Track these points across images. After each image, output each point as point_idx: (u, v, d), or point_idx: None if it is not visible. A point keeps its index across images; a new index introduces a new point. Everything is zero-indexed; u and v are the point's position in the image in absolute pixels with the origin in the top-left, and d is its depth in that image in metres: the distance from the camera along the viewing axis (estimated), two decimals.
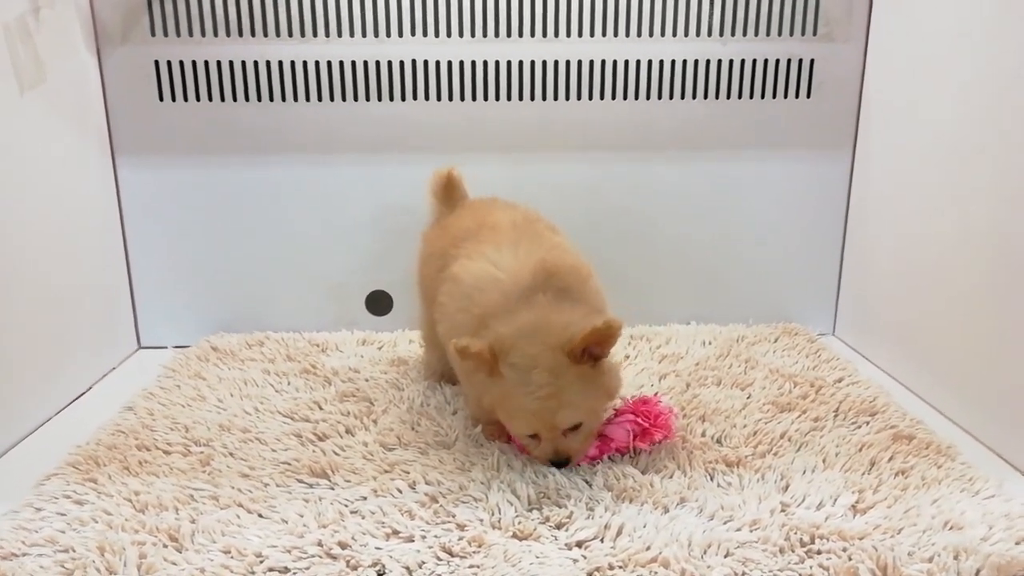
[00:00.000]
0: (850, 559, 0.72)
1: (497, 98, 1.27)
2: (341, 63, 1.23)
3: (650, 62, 1.26)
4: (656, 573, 0.70)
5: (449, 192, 1.11)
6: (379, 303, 1.36)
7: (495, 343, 0.82)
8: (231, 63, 1.22)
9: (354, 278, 1.35)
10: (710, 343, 1.28)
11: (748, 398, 1.07)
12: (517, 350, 0.81)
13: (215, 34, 1.21)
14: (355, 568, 0.71)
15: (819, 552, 0.73)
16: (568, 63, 1.25)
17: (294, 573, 0.70)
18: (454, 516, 0.78)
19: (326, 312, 1.35)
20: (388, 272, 1.35)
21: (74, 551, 0.72)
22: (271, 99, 1.24)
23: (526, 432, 0.85)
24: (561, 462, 0.86)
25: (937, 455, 0.90)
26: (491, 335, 0.83)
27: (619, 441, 0.89)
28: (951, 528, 0.76)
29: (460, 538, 0.75)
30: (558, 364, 0.81)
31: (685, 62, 1.26)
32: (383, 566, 0.71)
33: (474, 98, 1.27)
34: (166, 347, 1.31)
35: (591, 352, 0.82)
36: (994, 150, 0.96)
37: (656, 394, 0.98)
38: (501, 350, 0.81)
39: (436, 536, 0.75)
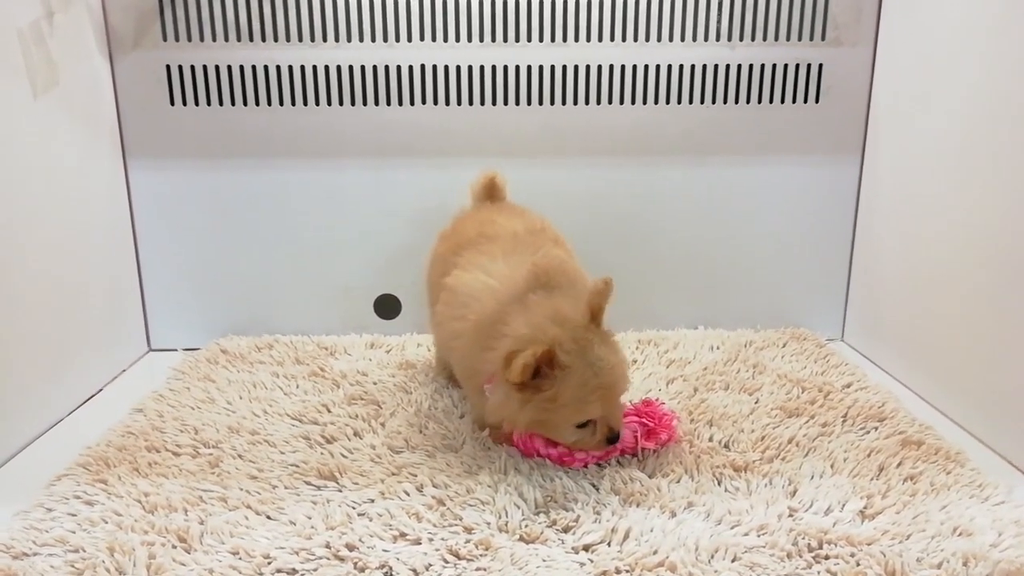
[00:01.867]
0: (858, 564, 0.71)
1: (505, 103, 1.27)
2: (351, 67, 1.24)
3: (658, 67, 1.26)
4: None
5: (490, 195, 1.13)
6: (388, 307, 1.37)
7: (536, 337, 0.81)
8: (242, 68, 1.23)
9: (363, 282, 1.35)
10: (718, 348, 1.28)
11: (756, 403, 1.06)
12: (571, 336, 0.82)
13: (226, 39, 1.22)
14: (363, 570, 0.71)
15: (827, 557, 0.73)
16: (576, 68, 1.26)
17: (302, 574, 0.71)
18: (461, 519, 0.79)
19: (335, 315, 1.36)
20: (397, 276, 1.35)
21: (84, 551, 0.73)
22: (281, 103, 1.25)
23: (591, 417, 0.84)
24: (615, 436, 0.87)
25: (946, 461, 0.90)
26: (521, 333, 0.82)
27: (626, 442, 0.89)
28: (960, 534, 0.76)
29: (467, 541, 0.75)
30: (597, 336, 0.83)
31: (693, 67, 1.26)
32: (390, 568, 0.71)
33: (482, 103, 1.27)
34: (176, 349, 1.32)
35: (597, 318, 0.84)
36: (1003, 155, 0.95)
37: (658, 399, 0.98)
38: (553, 340, 0.80)
39: (443, 539, 0.76)
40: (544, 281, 0.88)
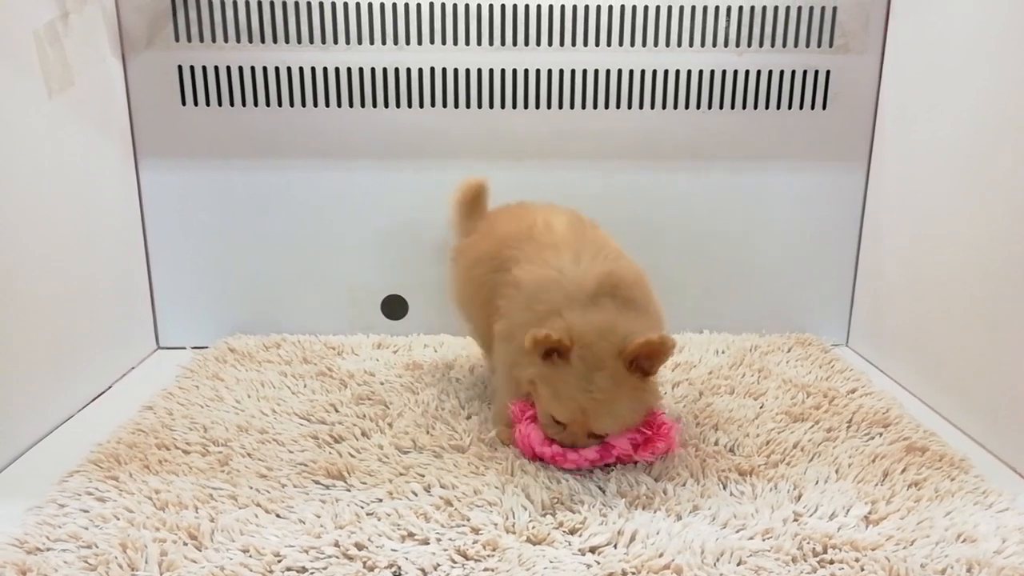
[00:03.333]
0: (863, 569, 0.72)
1: (514, 106, 1.28)
2: (361, 70, 1.25)
3: (666, 72, 1.27)
4: None
5: (477, 203, 1.13)
6: (394, 307, 1.38)
7: (573, 330, 0.84)
8: (252, 69, 1.24)
9: (370, 282, 1.36)
10: (723, 352, 1.28)
11: (761, 407, 1.07)
12: (592, 346, 0.84)
13: (237, 40, 1.23)
14: (371, 569, 0.72)
15: (832, 562, 0.73)
16: (584, 72, 1.26)
17: (312, 573, 0.71)
18: (469, 520, 0.79)
19: (342, 315, 1.37)
20: (404, 277, 1.36)
21: (97, 547, 0.73)
22: (291, 104, 1.26)
23: (564, 419, 0.87)
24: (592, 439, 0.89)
25: (950, 467, 0.90)
26: (565, 324, 0.85)
27: (620, 448, 0.89)
28: (964, 541, 0.76)
29: (475, 541, 0.76)
30: (620, 371, 0.84)
31: (701, 72, 1.27)
32: (399, 568, 0.72)
33: (491, 106, 1.28)
34: (184, 348, 1.33)
35: (641, 365, 0.84)
36: (1010, 162, 0.96)
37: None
38: (578, 338, 0.84)
39: (451, 539, 0.76)
40: (623, 294, 0.89)
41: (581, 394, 0.84)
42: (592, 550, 0.75)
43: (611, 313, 0.86)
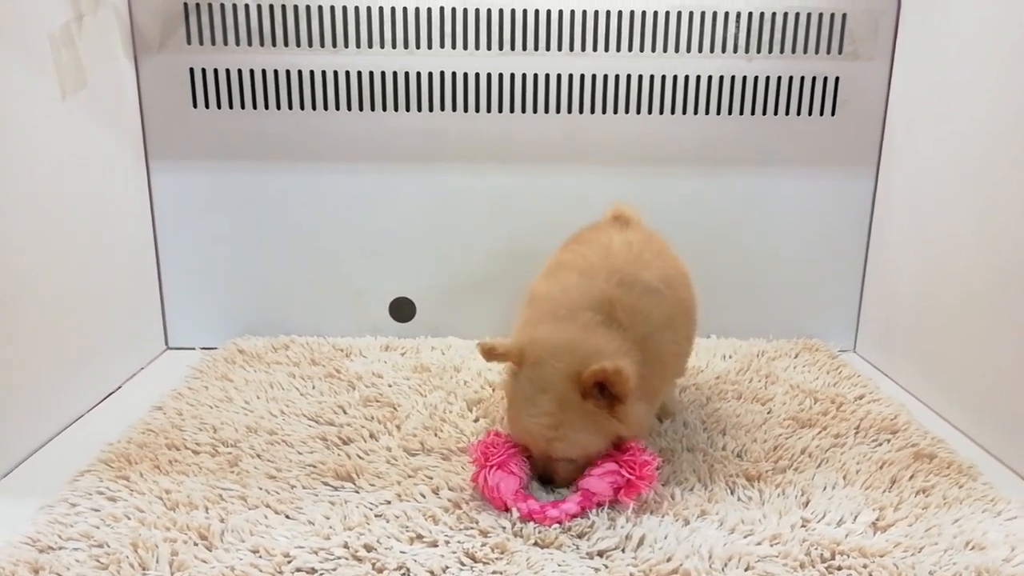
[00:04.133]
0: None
1: (523, 110, 1.28)
2: (371, 73, 1.26)
3: (675, 77, 1.27)
4: None
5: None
6: (402, 310, 1.38)
7: (528, 345, 0.82)
8: (263, 72, 1.25)
9: (378, 284, 1.37)
10: (730, 357, 1.28)
11: (768, 413, 1.07)
12: (541, 365, 0.80)
13: (249, 43, 1.24)
14: (381, 571, 0.72)
15: (839, 568, 0.73)
16: (594, 77, 1.27)
17: (321, 574, 0.72)
18: (477, 523, 0.80)
19: (350, 317, 1.37)
20: (412, 279, 1.37)
21: (108, 546, 0.74)
22: (302, 107, 1.27)
23: (516, 440, 0.86)
24: (547, 479, 0.86)
25: (959, 475, 0.90)
26: (531, 334, 0.84)
27: (602, 495, 0.82)
28: (973, 548, 0.76)
29: (483, 544, 0.76)
30: (567, 395, 0.79)
31: (710, 78, 1.27)
32: (408, 570, 0.72)
33: (500, 110, 1.28)
34: (193, 348, 1.34)
35: (607, 392, 0.79)
36: (1020, 169, 0.96)
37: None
38: (531, 359, 0.81)
39: (460, 542, 0.77)
40: (607, 309, 0.84)
41: (527, 418, 0.81)
42: (600, 554, 0.76)
43: (580, 329, 0.82)
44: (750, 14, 1.24)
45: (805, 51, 1.26)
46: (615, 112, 1.29)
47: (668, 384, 0.98)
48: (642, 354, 0.83)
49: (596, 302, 0.85)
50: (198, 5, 1.21)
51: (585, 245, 0.97)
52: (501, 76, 1.27)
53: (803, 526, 0.80)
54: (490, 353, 0.83)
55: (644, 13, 1.24)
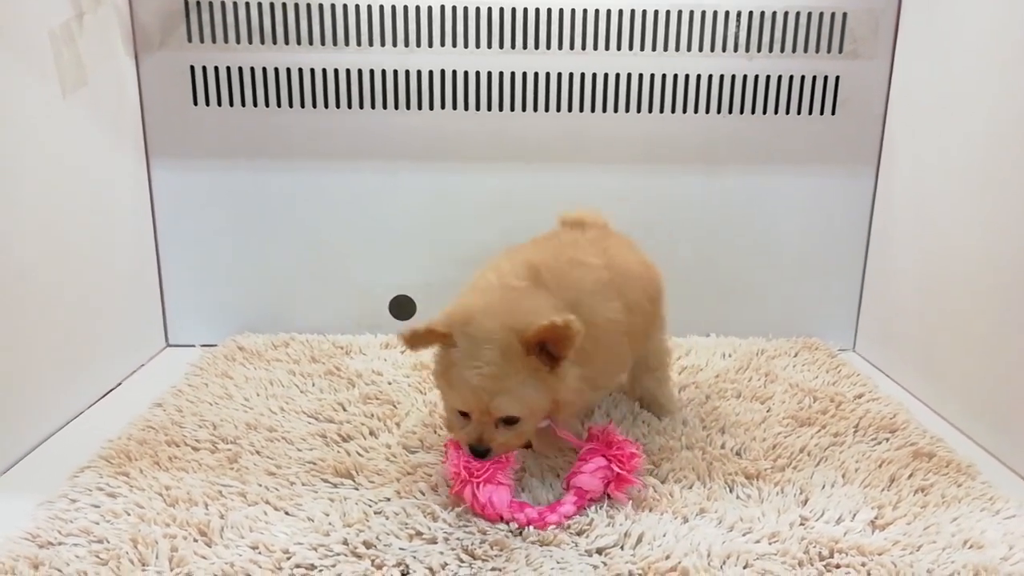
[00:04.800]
0: (869, 574, 0.72)
1: (523, 109, 1.29)
2: (372, 71, 1.26)
3: (675, 76, 1.27)
4: None
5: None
6: (403, 308, 1.38)
7: (454, 313, 0.80)
8: (264, 69, 1.25)
9: (378, 282, 1.37)
10: (730, 355, 1.29)
11: (768, 411, 1.07)
12: (475, 323, 0.79)
13: (249, 41, 1.24)
14: (380, 567, 0.72)
15: (838, 566, 0.73)
16: (594, 75, 1.27)
17: (320, 570, 0.72)
18: (476, 520, 0.80)
19: (350, 315, 1.38)
20: (412, 277, 1.37)
21: (108, 542, 0.74)
22: (302, 105, 1.27)
23: (460, 407, 0.81)
24: (482, 451, 0.81)
25: (957, 474, 0.90)
26: (452, 305, 0.82)
27: (594, 492, 0.83)
28: (971, 547, 0.76)
29: (482, 541, 0.76)
30: (511, 347, 0.77)
31: (711, 77, 1.27)
32: (407, 566, 0.72)
33: (501, 108, 1.28)
34: (193, 345, 1.34)
35: (550, 351, 0.78)
36: (1020, 168, 0.96)
37: (610, 421, 0.98)
38: (460, 320, 0.79)
39: (459, 539, 0.77)
40: (540, 277, 0.85)
41: (469, 372, 0.77)
42: (599, 551, 0.76)
43: (515, 292, 0.82)
44: (751, 13, 1.24)
45: (806, 50, 1.26)
46: (616, 111, 1.29)
47: (607, 364, 0.91)
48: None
49: (520, 270, 0.85)
50: (199, 3, 1.21)
51: (529, 242, 0.98)
52: (502, 74, 1.27)
53: (802, 524, 0.80)
54: (415, 338, 0.79)
55: (645, 12, 1.24)
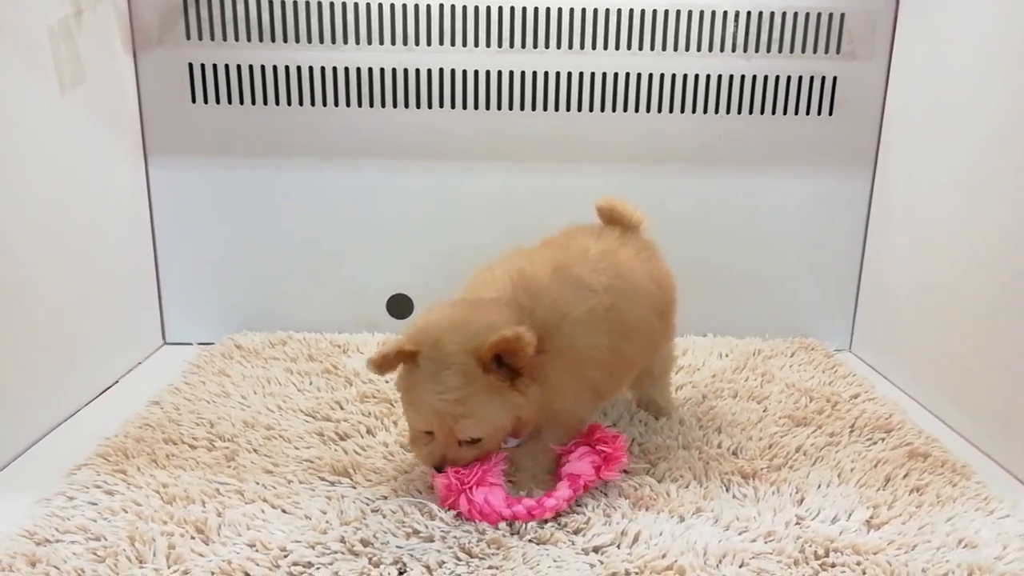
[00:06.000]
0: (864, 573, 0.73)
1: (522, 107, 1.29)
2: (370, 70, 1.26)
3: (673, 76, 1.27)
4: None
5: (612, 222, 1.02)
6: (400, 307, 1.38)
7: (416, 332, 0.79)
8: (263, 67, 1.25)
9: (376, 281, 1.37)
10: (727, 355, 1.29)
11: (764, 411, 1.08)
12: (439, 345, 0.78)
13: (248, 39, 1.24)
14: (377, 565, 0.72)
15: (833, 565, 0.74)
16: (592, 75, 1.27)
17: (318, 568, 0.72)
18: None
19: (347, 314, 1.38)
20: (410, 276, 1.37)
21: (105, 539, 0.74)
22: (300, 103, 1.27)
23: (423, 428, 0.81)
24: (437, 467, 0.82)
25: (952, 474, 0.91)
26: (420, 318, 0.82)
27: (587, 476, 0.83)
28: (965, 546, 0.77)
29: (480, 540, 0.76)
30: (471, 369, 0.77)
31: (708, 76, 1.27)
32: (404, 564, 0.73)
33: (498, 107, 1.29)
34: (190, 344, 1.34)
35: (508, 365, 0.78)
36: (1016, 171, 0.96)
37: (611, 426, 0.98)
38: (427, 340, 0.78)
39: (456, 537, 0.77)
40: (518, 288, 0.84)
41: (432, 397, 0.77)
42: (596, 550, 0.76)
43: (470, 307, 0.81)
44: (748, 13, 1.24)
45: (803, 51, 1.27)
46: (614, 110, 1.29)
47: (580, 391, 0.86)
48: (546, 343, 0.80)
49: (504, 281, 0.85)
50: (197, 0, 1.21)
51: (539, 246, 0.96)
52: (500, 73, 1.27)
53: (797, 523, 0.80)
54: (383, 361, 0.78)
55: (643, 12, 1.24)
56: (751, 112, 1.29)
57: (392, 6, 1.23)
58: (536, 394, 0.81)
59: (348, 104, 1.27)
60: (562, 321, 0.83)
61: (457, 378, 0.77)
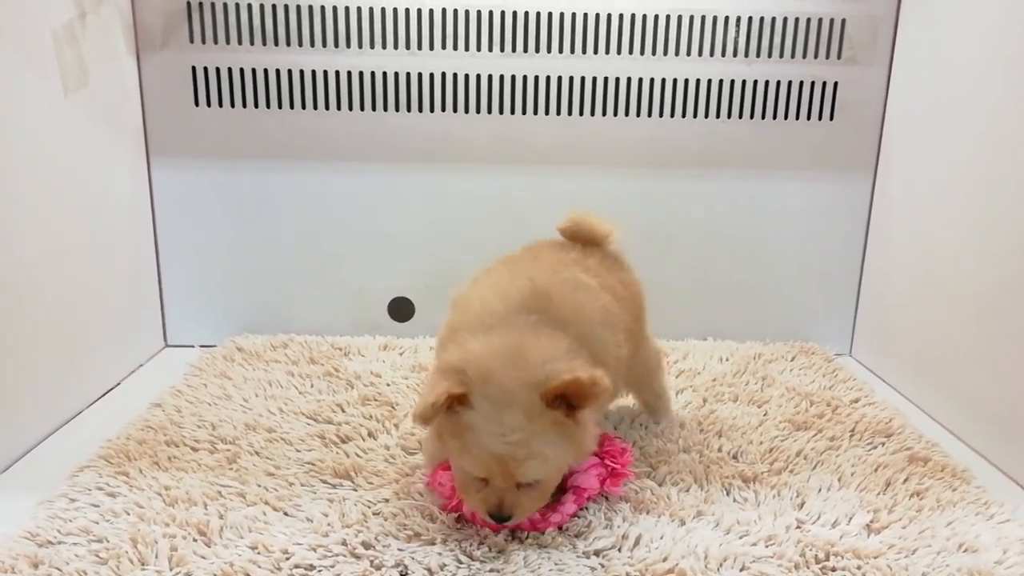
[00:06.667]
0: None
1: (523, 112, 1.29)
2: (372, 74, 1.26)
3: (675, 81, 1.28)
4: None
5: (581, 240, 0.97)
6: (401, 310, 1.39)
7: (462, 371, 0.72)
8: (265, 71, 1.25)
9: (377, 284, 1.37)
10: (727, 359, 1.29)
11: (764, 415, 1.08)
12: (494, 381, 0.71)
13: (251, 42, 1.24)
14: (379, 568, 0.73)
15: (834, 569, 0.74)
16: (594, 79, 1.28)
17: (319, 571, 0.72)
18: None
19: (349, 317, 1.38)
20: (411, 279, 1.37)
21: (107, 541, 0.74)
22: (303, 107, 1.27)
23: (479, 474, 0.74)
24: (503, 517, 0.74)
25: (952, 478, 0.91)
26: (460, 353, 0.74)
27: (592, 490, 0.82)
28: (965, 551, 0.77)
29: (481, 543, 0.77)
30: (534, 407, 0.71)
31: (709, 81, 1.28)
32: (406, 567, 0.73)
33: (500, 111, 1.29)
34: (192, 346, 1.34)
35: (568, 401, 0.73)
36: (1016, 175, 0.97)
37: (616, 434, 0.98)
38: (479, 377, 0.72)
39: (457, 540, 0.77)
40: (542, 305, 0.79)
41: (493, 440, 0.71)
42: (597, 553, 0.76)
43: (521, 333, 0.75)
44: (750, 19, 1.25)
45: (804, 56, 1.27)
46: (615, 115, 1.29)
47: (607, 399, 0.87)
48: (587, 354, 0.77)
49: (525, 295, 0.79)
50: (201, 4, 1.22)
51: (523, 251, 0.94)
52: (502, 78, 1.27)
53: (798, 527, 0.80)
54: (432, 412, 0.70)
55: (645, 17, 1.24)
56: (752, 117, 1.30)
57: (395, 10, 1.23)
58: (590, 424, 0.77)
59: (350, 108, 1.28)
60: (591, 329, 0.80)
61: (520, 417, 0.70)
